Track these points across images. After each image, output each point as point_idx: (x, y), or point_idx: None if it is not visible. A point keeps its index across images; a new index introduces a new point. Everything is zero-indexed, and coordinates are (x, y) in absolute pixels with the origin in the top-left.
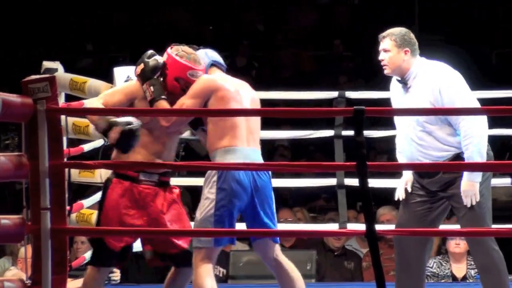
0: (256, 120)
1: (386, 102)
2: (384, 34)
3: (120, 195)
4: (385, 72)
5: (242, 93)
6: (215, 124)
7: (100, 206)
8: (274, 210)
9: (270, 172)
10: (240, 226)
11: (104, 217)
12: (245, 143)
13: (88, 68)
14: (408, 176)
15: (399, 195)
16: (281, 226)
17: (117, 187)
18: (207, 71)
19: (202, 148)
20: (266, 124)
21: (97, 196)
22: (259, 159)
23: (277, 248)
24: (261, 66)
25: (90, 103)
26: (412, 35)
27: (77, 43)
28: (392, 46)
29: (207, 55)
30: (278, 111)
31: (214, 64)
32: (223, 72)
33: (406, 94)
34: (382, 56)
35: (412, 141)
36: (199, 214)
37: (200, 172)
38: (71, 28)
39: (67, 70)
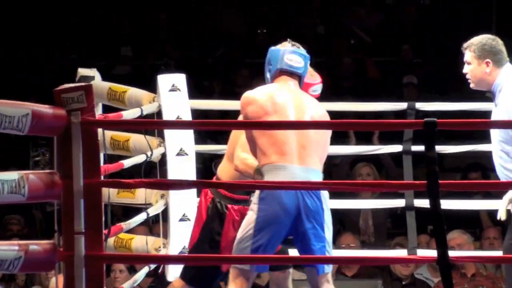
0: (313, 135)
1: (461, 114)
2: (465, 45)
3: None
4: (471, 86)
5: (289, 107)
6: (253, 141)
7: (211, 231)
8: (329, 236)
9: (322, 194)
10: (293, 252)
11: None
12: (294, 160)
13: (126, 76)
14: (510, 195)
15: (501, 215)
16: (342, 253)
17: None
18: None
19: None
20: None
21: (138, 218)
22: (313, 179)
23: (324, 279)
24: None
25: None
26: (495, 43)
27: (113, 47)
28: (472, 58)
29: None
30: (335, 124)
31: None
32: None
33: (495, 109)
34: (465, 69)
35: (496, 158)
36: (241, 230)
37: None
38: (107, 31)
39: (104, 78)
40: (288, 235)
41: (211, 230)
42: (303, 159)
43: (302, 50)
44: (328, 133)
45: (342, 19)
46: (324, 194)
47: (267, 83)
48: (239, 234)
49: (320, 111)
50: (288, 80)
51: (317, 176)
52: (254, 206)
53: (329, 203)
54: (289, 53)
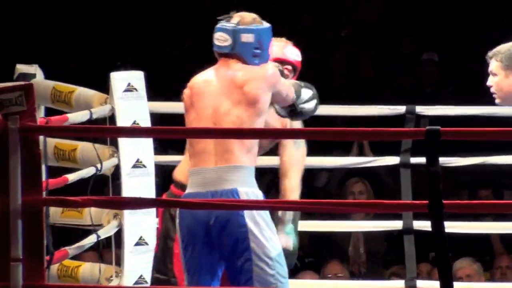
0: (229, 123)
1: (471, 120)
2: (490, 53)
3: None
4: (496, 102)
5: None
6: None
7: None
8: (261, 248)
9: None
10: None
11: None
12: (209, 160)
13: (76, 74)
14: None
15: None
16: (330, 284)
17: None
18: None
19: None
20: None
21: (87, 242)
22: (228, 178)
23: None
24: (306, 73)
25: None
26: None
27: (61, 42)
28: (498, 69)
29: None
30: (310, 133)
31: None
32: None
33: None
34: (489, 81)
35: None
36: None
37: None
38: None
39: (48, 76)
40: (215, 249)
41: (166, 238)
42: (220, 156)
43: (228, 23)
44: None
45: (332, 9)
46: (250, 192)
47: None
48: None
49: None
50: (220, 63)
51: (235, 173)
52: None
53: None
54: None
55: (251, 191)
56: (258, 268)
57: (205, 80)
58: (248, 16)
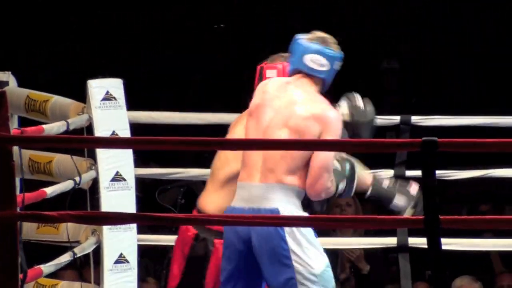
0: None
1: (469, 130)
2: None
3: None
4: None
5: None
6: None
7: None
8: (303, 265)
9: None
10: None
11: None
12: (255, 176)
13: (51, 81)
14: None
15: None
16: None
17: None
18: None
19: None
20: None
21: (63, 260)
22: (271, 196)
23: None
24: None
25: None
26: None
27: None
28: None
29: None
30: (307, 144)
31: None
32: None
33: None
34: None
35: None
36: None
37: None
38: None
39: (22, 83)
40: (254, 265)
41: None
42: (264, 173)
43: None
44: (302, 136)
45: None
46: (292, 213)
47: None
48: None
49: (305, 110)
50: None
51: (282, 193)
52: None
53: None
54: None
55: (295, 212)
56: (303, 286)
57: (275, 93)
58: (335, 41)
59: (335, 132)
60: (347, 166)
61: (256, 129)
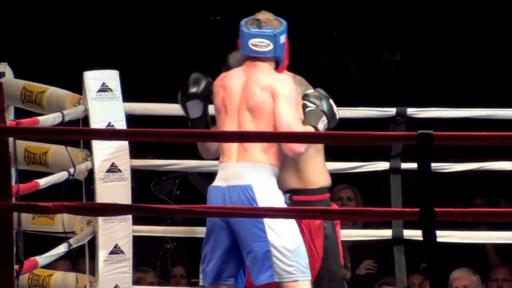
0: (251, 126)
1: (465, 123)
2: None
3: None
4: None
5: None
6: None
7: None
8: (276, 238)
9: (257, 189)
10: None
11: None
12: (233, 157)
13: (48, 72)
14: None
15: None
16: None
17: None
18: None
19: (204, 184)
20: None
21: (58, 251)
22: (245, 174)
23: None
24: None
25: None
26: None
27: (32, 39)
28: None
29: None
30: (301, 136)
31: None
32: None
33: None
34: None
35: None
36: None
37: (202, 220)
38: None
39: (18, 74)
40: (234, 242)
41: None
42: (240, 154)
43: (266, 29)
44: (269, 116)
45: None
46: (265, 188)
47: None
48: None
49: (258, 86)
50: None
51: (255, 171)
52: None
53: (280, 202)
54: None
55: (267, 188)
56: (277, 259)
57: (236, 81)
58: (273, 18)
59: (286, 95)
60: (322, 101)
61: (230, 122)
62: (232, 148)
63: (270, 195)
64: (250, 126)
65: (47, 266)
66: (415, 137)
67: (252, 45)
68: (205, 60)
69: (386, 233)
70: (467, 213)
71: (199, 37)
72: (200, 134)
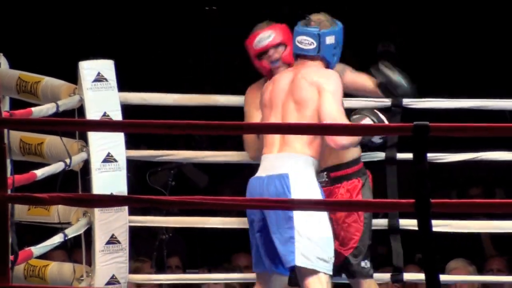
0: (293, 118)
1: (462, 114)
2: None
3: None
4: None
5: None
6: None
7: None
8: (305, 228)
9: (294, 178)
10: None
11: None
12: (274, 149)
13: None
14: None
15: None
16: None
17: None
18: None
19: (199, 175)
20: None
21: (54, 241)
22: (286, 164)
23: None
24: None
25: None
26: None
27: (27, 29)
28: None
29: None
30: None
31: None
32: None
33: None
34: None
35: None
36: None
37: (197, 211)
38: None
39: (14, 65)
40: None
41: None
42: (281, 146)
43: (311, 28)
44: (313, 111)
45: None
46: (300, 177)
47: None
48: None
49: (304, 81)
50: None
51: (293, 161)
52: None
53: (314, 191)
54: None
55: (303, 177)
56: (301, 245)
57: (284, 77)
58: (325, 19)
59: (332, 90)
60: (379, 118)
61: (275, 115)
62: (274, 140)
63: (305, 185)
64: (293, 118)
65: (43, 257)
66: (411, 128)
67: (298, 42)
68: (204, 59)
69: (382, 223)
70: (462, 204)
71: (195, 27)
72: (194, 125)
